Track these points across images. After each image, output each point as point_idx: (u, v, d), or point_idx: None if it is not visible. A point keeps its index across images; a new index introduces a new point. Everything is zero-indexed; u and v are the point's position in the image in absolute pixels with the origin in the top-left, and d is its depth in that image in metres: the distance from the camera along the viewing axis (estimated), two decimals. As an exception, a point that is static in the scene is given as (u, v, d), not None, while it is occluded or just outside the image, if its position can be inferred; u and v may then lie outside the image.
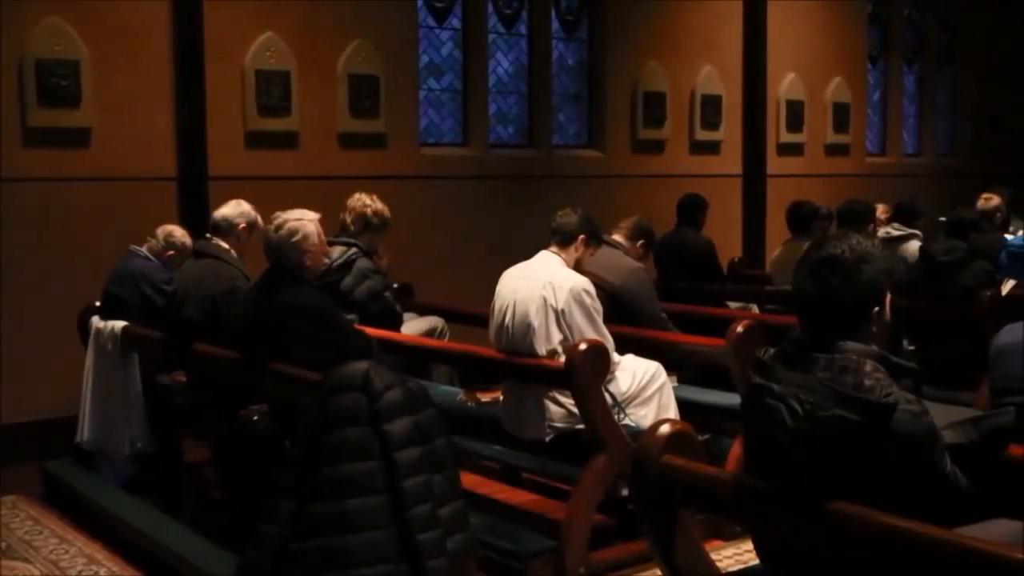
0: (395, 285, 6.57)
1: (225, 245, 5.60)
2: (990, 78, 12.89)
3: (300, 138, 7.66)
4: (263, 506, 3.19)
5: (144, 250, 6.06)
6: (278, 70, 7.50)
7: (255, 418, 4.88)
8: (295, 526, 3.11)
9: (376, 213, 6.10)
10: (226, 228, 5.64)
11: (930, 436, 2.49)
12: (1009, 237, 7.98)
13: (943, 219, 7.87)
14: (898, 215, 8.66)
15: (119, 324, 5.75)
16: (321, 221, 4.88)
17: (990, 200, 8.64)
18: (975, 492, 2.61)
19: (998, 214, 8.63)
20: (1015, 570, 2.14)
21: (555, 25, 9.37)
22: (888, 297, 2.65)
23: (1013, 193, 9.83)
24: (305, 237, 4.72)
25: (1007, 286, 6.86)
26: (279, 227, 4.73)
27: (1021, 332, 3.39)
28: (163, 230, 6.14)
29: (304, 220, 4.77)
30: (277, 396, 4.72)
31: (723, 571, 3.35)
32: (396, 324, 5.93)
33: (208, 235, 5.70)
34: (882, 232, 8.41)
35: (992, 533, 2.61)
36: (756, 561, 2.97)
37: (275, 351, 4.57)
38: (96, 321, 5.86)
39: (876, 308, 2.61)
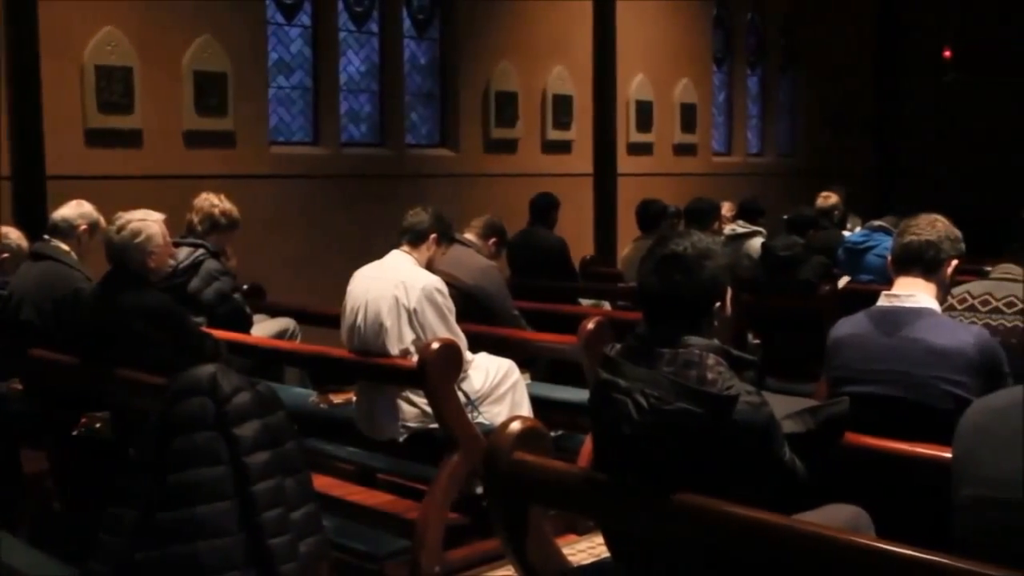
0: (244, 286, 6.45)
1: (65, 247, 5.40)
2: (828, 81, 13.41)
3: (143, 136, 7.45)
4: (106, 516, 3.08)
5: (-25, 253, 5.79)
6: (119, 66, 7.27)
7: (97, 425, 4.71)
8: (140, 535, 3.01)
9: (224, 213, 5.98)
10: (66, 229, 5.45)
11: (769, 426, 2.57)
12: (847, 234, 8.32)
13: (785, 217, 8.16)
14: (742, 213, 8.94)
15: (-51, 330, 5.48)
16: (166, 222, 4.75)
17: (828, 198, 8.98)
18: (813, 479, 2.71)
19: (836, 212, 8.98)
20: (853, 553, 2.22)
21: (407, 24, 9.35)
22: (729, 292, 2.72)
23: (850, 191, 10.25)
24: (149, 238, 4.58)
25: (843, 281, 7.15)
26: (121, 228, 4.58)
27: (855, 324, 3.53)
28: (-4, 231, 5.88)
29: (148, 221, 4.63)
30: (120, 402, 4.57)
31: (576, 565, 3.38)
32: (245, 326, 5.82)
33: (46, 236, 5.49)
34: (727, 229, 8.66)
35: (829, 518, 2.72)
36: (609, 554, 3.01)
37: (118, 355, 4.43)
38: (-76, 328, 5.57)
39: (718, 303, 2.68)
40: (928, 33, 13.90)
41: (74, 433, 4.81)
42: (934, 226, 3.57)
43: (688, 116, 11.66)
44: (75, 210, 5.50)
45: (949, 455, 2.43)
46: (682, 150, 11.67)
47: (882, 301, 3.51)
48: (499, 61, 9.71)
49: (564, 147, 10.33)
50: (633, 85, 10.95)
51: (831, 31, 13.32)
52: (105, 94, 7.22)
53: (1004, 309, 4.07)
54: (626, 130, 10.87)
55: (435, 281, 4.70)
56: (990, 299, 4.11)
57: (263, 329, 6.12)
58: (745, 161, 12.73)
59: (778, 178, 12.67)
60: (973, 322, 3.97)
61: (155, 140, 7.51)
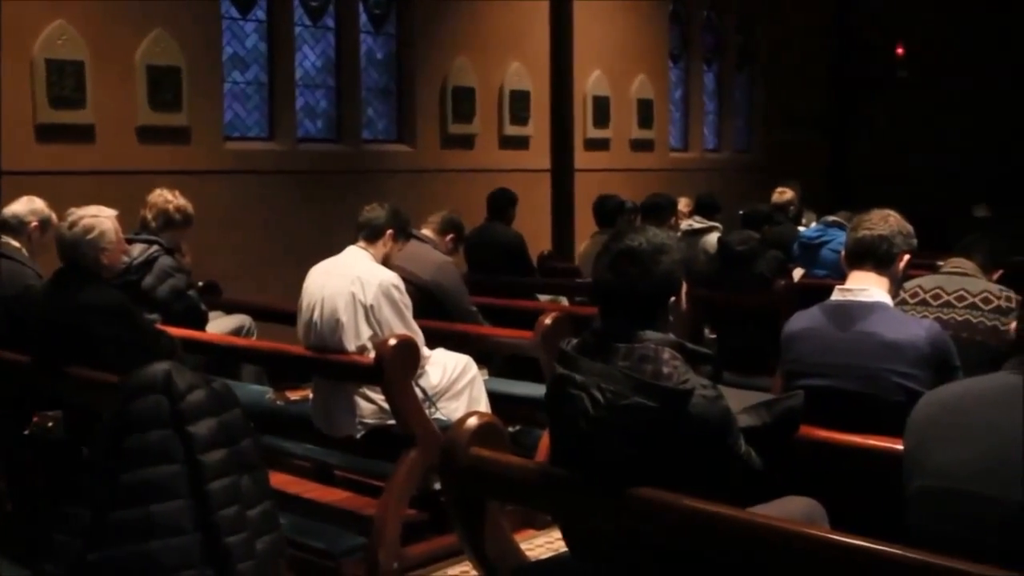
0: (200, 283, 6.40)
1: (16, 244, 5.34)
2: (783, 78, 13.52)
3: (96, 131, 7.36)
4: (59, 516, 3.05)
5: (-75, 250, 5.69)
6: (71, 60, 7.17)
7: (49, 424, 4.66)
8: (94, 535, 2.98)
9: (178, 209, 5.92)
10: (16, 226, 5.38)
11: (725, 420, 2.59)
12: (802, 229, 8.39)
13: (741, 212, 8.21)
14: (699, 208, 8.99)
15: None
16: (119, 218, 4.71)
17: (784, 194, 9.04)
18: (769, 471, 2.73)
19: (791, 207, 9.04)
20: (810, 545, 2.25)
21: (363, 19, 9.31)
22: (684, 287, 2.74)
23: (805, 187, 10.33)
24: (102, 234, 4.54)
25: (797, 273, 7.22)
26: (73, 224, 4.53)
27: (809, 319, 3.56)
28: (-54, 228, 5.78)
29: (100, 217, 4.59)
30: (73, 401, 4.52)
31: (534, 559, 3.39)
32: (201, 323, 5.78)
33: (-5, 233, 5.42)
34: (684, 225, 8.70)
35: (784, 510, 2.74)
36: (567, 549, 3.02)
37: (71, 354, 4.38)
38: None
39: (673, 298, 2.69)
40: (882, 32, 14.04)
41: (26, 432, 4.76)
42: (887, 221, 3.61)
43: (645, 112, 11.70)
44: (26, 206, 5.44)
45: (901, 447, 2.46)
46: (639, 146, 11.71)
47: (835, 295, 3.55)
48: (456, 56, 9.70)
49: (521, 143, 10.34)
50: (590, 81, 10.98)
51: (787, 29, 13.42)
52: (56, 88, 7.12)
53: (955, 303, 4.13)
54: (583, 126, 10.90)
55: (392, 277, 4.69)
56: (941, 293, 4.17)
57: (219, 326, 6.07)
58: (702, 157, 12.80)
59: (734, 174, 12.76)
60: (924, 316, 4.03)
61: (108, 135, 7.42)
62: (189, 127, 7.86)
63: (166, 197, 5.94)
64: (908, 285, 4.18)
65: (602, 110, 11.17)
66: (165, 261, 5.69)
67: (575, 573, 2.90)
